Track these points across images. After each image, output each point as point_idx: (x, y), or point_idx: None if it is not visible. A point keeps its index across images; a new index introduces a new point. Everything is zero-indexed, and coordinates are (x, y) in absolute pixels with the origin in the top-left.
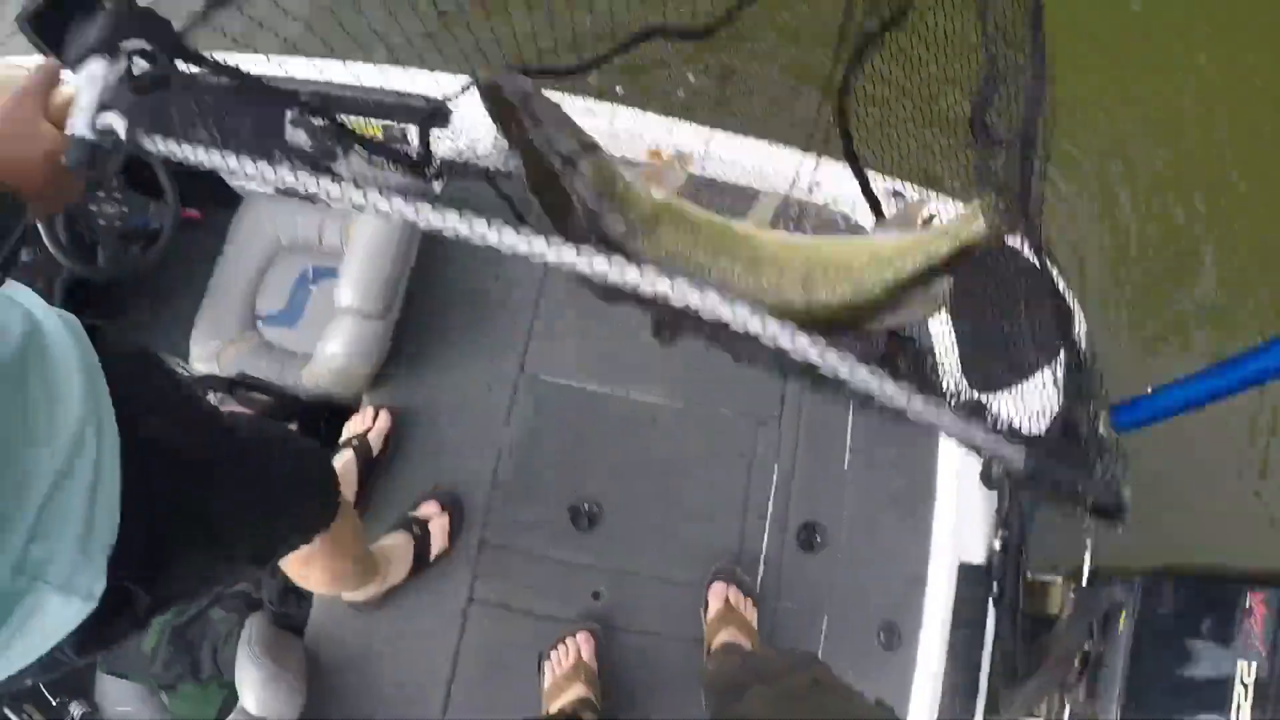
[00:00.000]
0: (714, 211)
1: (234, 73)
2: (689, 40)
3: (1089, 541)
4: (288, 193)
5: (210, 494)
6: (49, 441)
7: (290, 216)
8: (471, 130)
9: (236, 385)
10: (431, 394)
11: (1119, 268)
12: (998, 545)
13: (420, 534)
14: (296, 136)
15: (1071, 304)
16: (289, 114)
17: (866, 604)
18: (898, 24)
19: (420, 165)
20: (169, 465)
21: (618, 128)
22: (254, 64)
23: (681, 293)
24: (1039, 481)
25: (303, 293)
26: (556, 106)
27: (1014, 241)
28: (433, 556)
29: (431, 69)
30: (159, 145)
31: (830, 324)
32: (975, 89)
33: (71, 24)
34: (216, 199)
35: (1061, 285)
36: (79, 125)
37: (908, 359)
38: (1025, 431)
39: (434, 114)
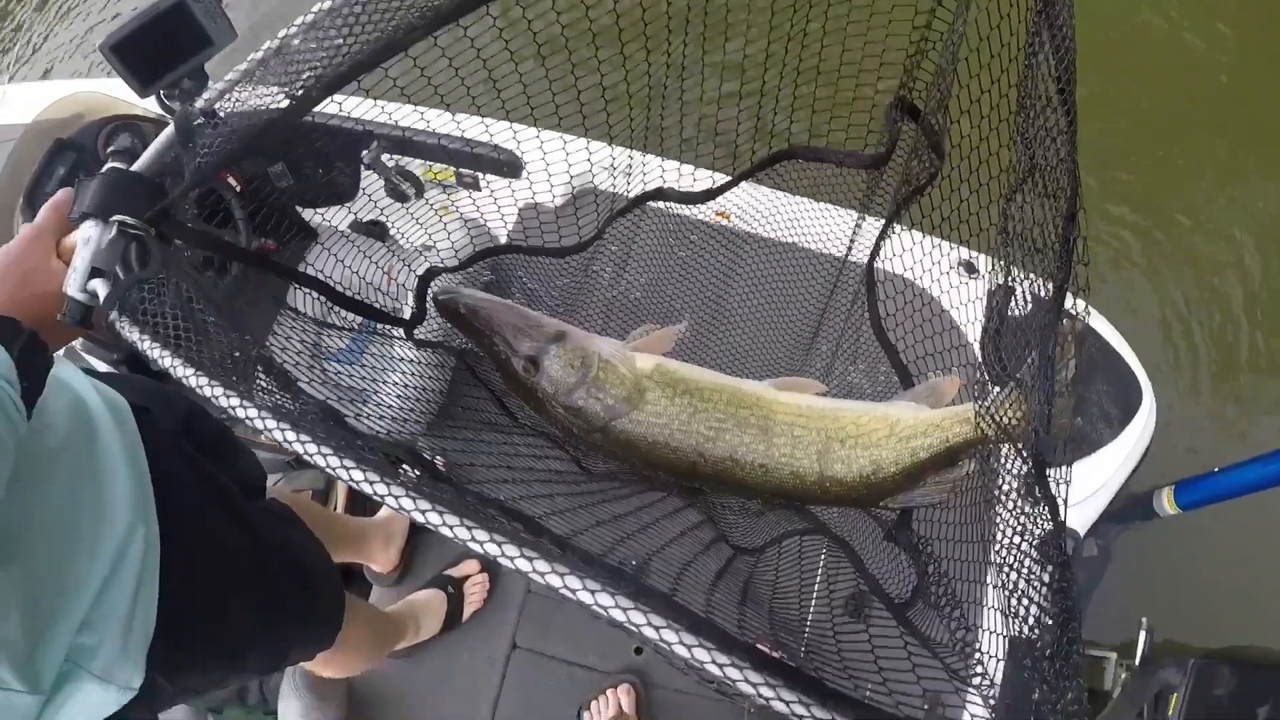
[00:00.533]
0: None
1: (221, 245)
2: (689, 204)
3: (1145, 621)
4: (364, 229)
5: (235, 611)
6: (99, 541)
7: (362, 255)
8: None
9: None
10: (483, 443)
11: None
12: (1049, 620)
13: (454, 593)
14: (370, 176)
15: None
16: (364, 153)
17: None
18: (919, 194)
19: (409, 323)
20: (206, 570)
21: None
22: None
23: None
24: None
25: (367, 332)
26: (511, 306)
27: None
28: (466, 616)
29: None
30: (129, 334)
31: (843, 499)
32: (988, 302)
33: (152, 54)
34: (291, 231)
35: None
36: (71, 286)
37: (910, 551)
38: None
39: (506, 166)
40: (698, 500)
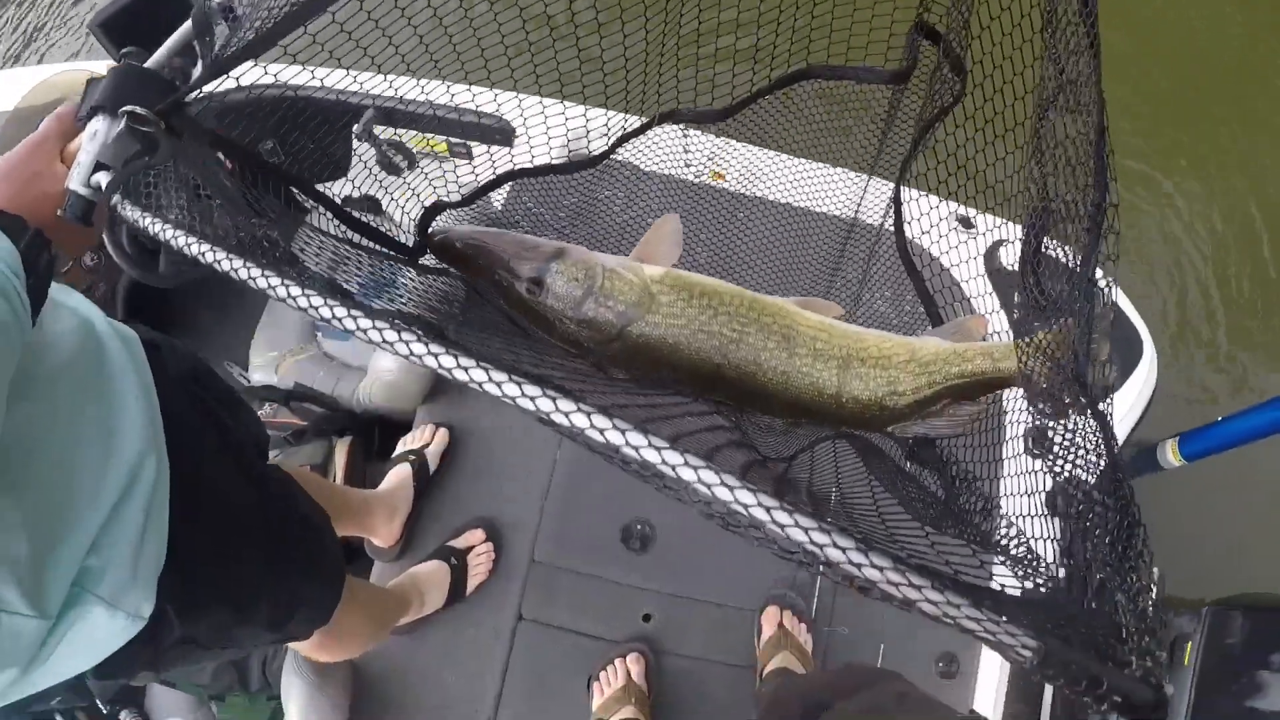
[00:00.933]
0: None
1: (229, 145)
2: (704, 123)
3: (1156, 572)
4: (357, 204)
5: (239, 553)
6: (108, 464)
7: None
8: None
9: (292, 397)
10: (485, 412)
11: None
12: (1061, 572)
13: (458, 564)
14: (361, 149)
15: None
16: (355, 126)
17: (924, 632)
18: (943, 117)
19: (413, 252)
20: (211, 515)
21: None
22: (324, 77)
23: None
24: (1052, 675)
25: (372, 292)
26: (507, 234)
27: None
28: (470, 589)
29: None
30: (131, 214)
31: (858, 420)
32: (1026, 223)
33: (140, 29)
34: (283, 209)
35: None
36: (74, 180)
37: (931, 464)
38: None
39: (498, 134)
40: (722, 410)
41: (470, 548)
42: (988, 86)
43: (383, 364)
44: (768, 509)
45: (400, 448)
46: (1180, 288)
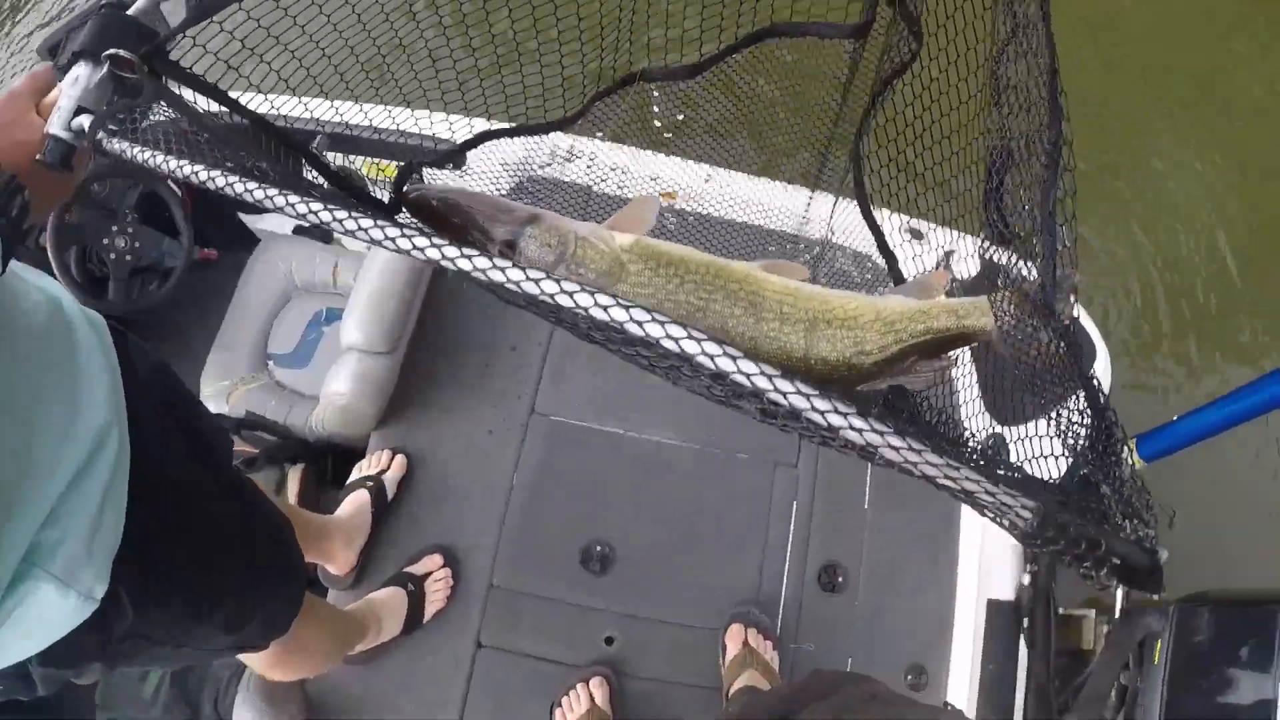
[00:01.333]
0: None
1: (213, 91)
2: (673, 81)
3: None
4: (306, 231)
5: (209, 556)
6: (70, 434)
7: (306, 258)
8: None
9: (244, 425)
10: (440, 435)
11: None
12: (1026, 580)
13: (415, 591)
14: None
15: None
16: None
17: (892, 644)
18: (900, 75)
19: (390, 209)
20: (173, 502)
21: (631, 171)
22: (279, 104)
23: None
24: (1051, 538)
25: (315, 334)
26: (483, 195)
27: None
28: (428, 616)
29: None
30: (118, 147)
31: (827, 379)
32: (988, 162)
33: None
34: (233, 239)
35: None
36: (54, 124)
37: (907, 407)
38: (1040, 479)
39: (449, 157)
40: None
41: (428, 574)
42: (941, 37)
43: (334, 388)
44: (769, 377)
45: (355, 474)
46: (1134, 287)
